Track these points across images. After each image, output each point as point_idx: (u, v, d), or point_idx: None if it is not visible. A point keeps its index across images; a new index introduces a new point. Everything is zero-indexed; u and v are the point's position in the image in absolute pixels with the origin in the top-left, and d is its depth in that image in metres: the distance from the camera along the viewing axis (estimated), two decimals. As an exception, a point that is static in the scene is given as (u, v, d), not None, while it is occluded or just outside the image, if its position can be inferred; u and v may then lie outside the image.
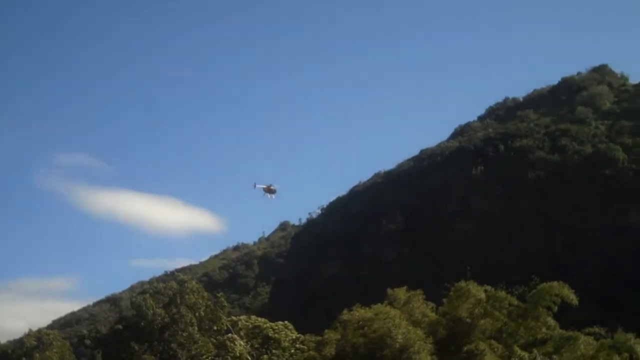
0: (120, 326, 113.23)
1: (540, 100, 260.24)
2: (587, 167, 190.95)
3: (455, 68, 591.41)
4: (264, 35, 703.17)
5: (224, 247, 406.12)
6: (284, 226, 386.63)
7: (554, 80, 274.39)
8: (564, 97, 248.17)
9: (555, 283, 66.03)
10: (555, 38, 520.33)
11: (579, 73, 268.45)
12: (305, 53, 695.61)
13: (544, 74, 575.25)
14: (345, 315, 76.62)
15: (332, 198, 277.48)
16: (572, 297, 64.18)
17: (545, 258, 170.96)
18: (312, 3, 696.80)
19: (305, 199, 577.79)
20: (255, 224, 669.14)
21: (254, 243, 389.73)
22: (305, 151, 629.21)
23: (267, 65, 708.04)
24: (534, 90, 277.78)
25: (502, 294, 68.42)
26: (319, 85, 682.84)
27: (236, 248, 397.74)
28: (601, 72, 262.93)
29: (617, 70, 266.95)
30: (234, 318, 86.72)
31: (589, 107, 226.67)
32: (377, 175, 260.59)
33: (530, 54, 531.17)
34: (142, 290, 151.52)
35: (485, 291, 69.99)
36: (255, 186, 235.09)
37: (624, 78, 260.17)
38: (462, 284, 68.77)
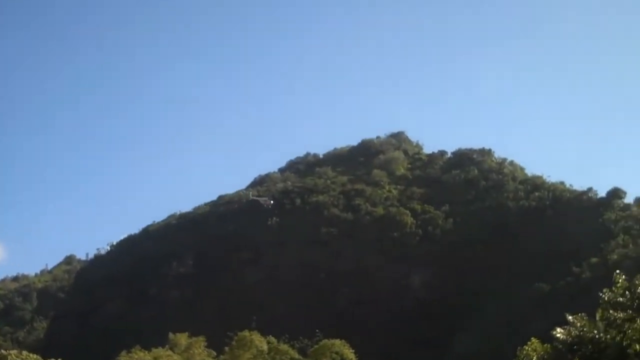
0: None
1: (340, 159, 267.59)
2: (377, 228, 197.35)
3: (261, 119, 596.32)
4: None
5: (3, 277, 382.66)
6: (69, 260, 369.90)
7: (355, 141, 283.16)
8: (362, 158, 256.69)
9: (337, 341, 66.90)
10: (360, 100, 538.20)
11: (378, 137, 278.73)
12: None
13: (346, 134, 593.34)
14: (123, 357, 73.71)
15: (124, 235, 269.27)
16: (351, 356, 65.16)
17: (331, 313, 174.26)
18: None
19: (95, 234, 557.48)
20: (39, 255, 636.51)
21: (36, 275, 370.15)
22: (100, 185, 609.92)
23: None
24: (335, 148, 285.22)
25: (284, 347, 68.31)
26: (115, 123, 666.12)
27: (15, 278, 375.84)
28: (398, 139, 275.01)
29: (414, 138, 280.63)
30: (3, 352, 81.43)
31: (384, 171, 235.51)
32: (172, 216, 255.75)
33: (336, 113, 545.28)
34: None
35: (269, 342, 69.65)
36: (250, 195, 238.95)
37: (418, 147, 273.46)
38: (246, 333, 68.08)
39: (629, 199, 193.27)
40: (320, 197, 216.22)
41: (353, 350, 67.73)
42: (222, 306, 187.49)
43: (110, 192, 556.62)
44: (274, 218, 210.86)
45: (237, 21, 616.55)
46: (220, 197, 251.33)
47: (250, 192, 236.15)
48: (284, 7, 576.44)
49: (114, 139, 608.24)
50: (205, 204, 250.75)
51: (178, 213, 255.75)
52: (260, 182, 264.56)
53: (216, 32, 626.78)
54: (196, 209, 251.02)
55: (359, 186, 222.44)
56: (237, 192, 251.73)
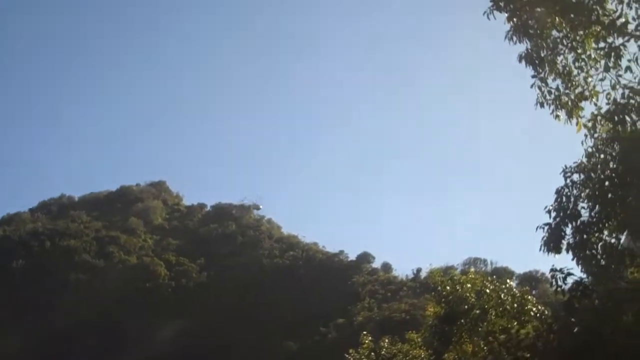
0: None
1: (96, 204, 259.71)
2: (129, 277, 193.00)
3: (12, 156, 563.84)
4: None
5: None
6: None
7: (113, 186, 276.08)
8: (119, 205, 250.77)
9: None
10: (122, 146, 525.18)
11: (137, 184, 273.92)
12: None
13: (104, 179, 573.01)
14: None
15: None
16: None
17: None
18: None
19: None
20: None
21: None
22: None
23: None
24: (91, 193, 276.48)
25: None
26: None
27: None
28: (158, 188, 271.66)
29: (174, 189, 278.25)
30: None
31: (142, 219, 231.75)
32: None
33: (95, 156, 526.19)
34: None
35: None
36: (244, 200, 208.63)
37: (178, 197, 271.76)
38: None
39: (377, 264, 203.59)
40: (72, 242, 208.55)
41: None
42: None
43: None
44: (20, 260, 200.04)
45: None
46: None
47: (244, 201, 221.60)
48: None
49: None
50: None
51: None
52: (8, 222, 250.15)
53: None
54: None
55: (114, 233, 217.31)
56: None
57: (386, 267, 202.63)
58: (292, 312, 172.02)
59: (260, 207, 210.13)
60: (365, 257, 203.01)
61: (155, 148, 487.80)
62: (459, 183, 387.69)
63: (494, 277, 34.68)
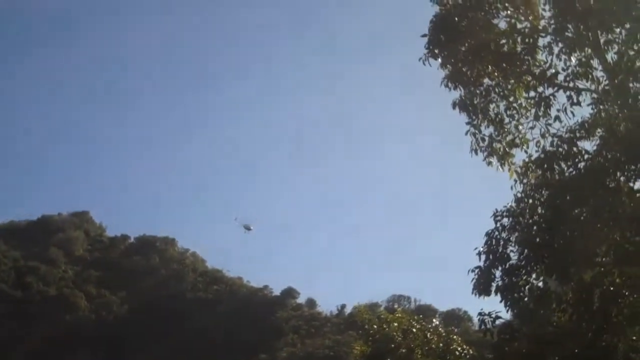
0: None
1: (15, 233, 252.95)
2: (48, 309, 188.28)
3: None
4: None
5: None
6: None
7: (34, 215, 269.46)
8: (40, 234, 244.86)
9: None
10: (43, 174, 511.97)
11: (59, 214, 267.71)
12: None
13: (25, 208, 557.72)
14: None
15: None
16: None
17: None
18: None
19: None
20: None
21: None
22: None
23: None
24: (11, 221, 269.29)
25: None
26: None
27: None
28: (81, 218, 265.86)
29: (98, 219, 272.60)
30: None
31: (62, 250, 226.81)
32: None
33: (15, 184, 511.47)
34: None
35: None
36: (235, 219, 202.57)
37: (102, 229, 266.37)
38: None
39: (301, 299, 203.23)
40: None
41: None
42: None
43: None
44: None
45: None
46: None
47: (236, 218, 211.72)
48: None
49: None
50: None
51: None
52: None
53: None
54: None
55: (33, 264, 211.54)
56: None
57: (311, 302, 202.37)
58: (215, 347, 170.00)
59: (251, 228, 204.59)
60: (289, 293, 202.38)
61: (78, 178, 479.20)
62: (383, 220, 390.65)
63: (420, 316, 34.89)
